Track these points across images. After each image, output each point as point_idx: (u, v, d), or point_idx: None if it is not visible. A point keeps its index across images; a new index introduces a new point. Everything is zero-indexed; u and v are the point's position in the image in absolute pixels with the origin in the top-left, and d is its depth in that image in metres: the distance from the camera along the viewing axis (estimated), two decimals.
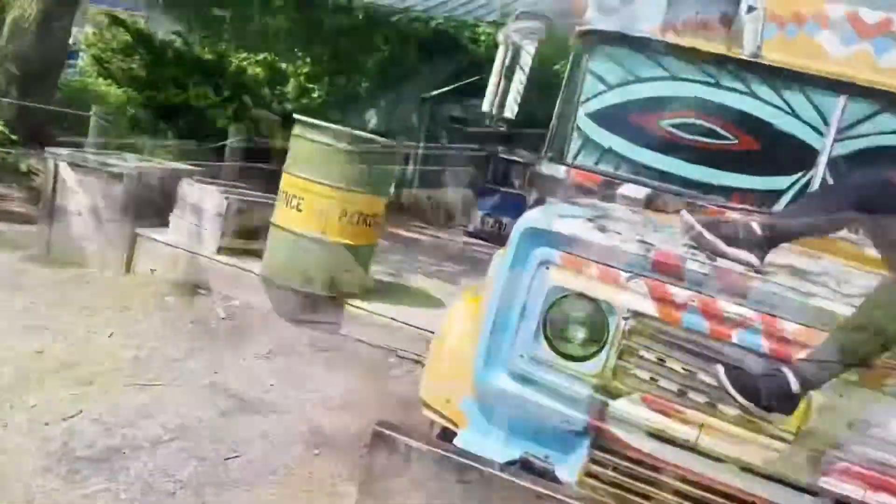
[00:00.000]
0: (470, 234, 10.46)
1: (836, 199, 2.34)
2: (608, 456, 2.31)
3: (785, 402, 1.96)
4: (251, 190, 6.21)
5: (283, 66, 13.35)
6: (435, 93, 11.77)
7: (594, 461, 2.31)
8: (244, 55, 13.82)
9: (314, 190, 5.07)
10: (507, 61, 3.59)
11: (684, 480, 2.22)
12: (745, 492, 2.16)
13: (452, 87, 10.83)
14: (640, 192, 3.30)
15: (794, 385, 1.95)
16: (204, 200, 5.69)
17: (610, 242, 2.27)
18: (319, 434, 3.69)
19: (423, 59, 12.52)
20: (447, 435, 2.56)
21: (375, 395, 4.26)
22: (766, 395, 1.96)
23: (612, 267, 2.26)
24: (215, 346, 4.57)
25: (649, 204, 3.24)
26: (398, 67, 12.89)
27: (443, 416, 2.60)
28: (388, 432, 2.37)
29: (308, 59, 13.62)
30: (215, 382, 4.05)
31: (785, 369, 1.98)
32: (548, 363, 2.32)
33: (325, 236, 5.09)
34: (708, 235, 2.26)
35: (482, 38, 11.54)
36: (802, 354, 2.01)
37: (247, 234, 5.61)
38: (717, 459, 2.17)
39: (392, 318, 5.02)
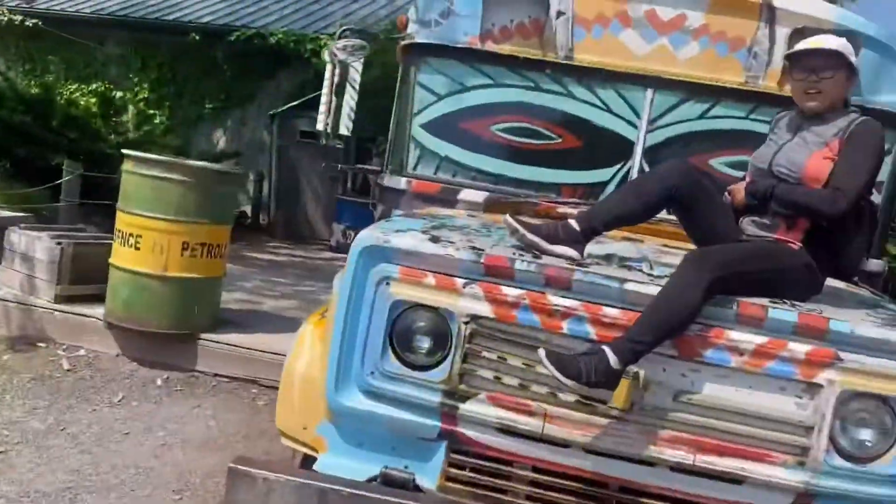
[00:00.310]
0: (332, 249, 10.37)
1: (645, 187, 2.51)
2: (465, 458, 2.37)
3: (607, 377, 2.09)
4: (90, 230, 5.86)
5: (119, 94, 12.70)
6: (283, 108, 11.57)
7: (452, 465, 2.37)
8: (75, 86, 13.06)
9: (151, 226, 4.87)
10: (336, 79, 3.62)
11: (536, 470, 2.32)
12: (592, 472, 2.28)
13: (300, 101, 10.69)
14: (479, 195, 3.43)
15: (613, 360, 2.09)
16: (34, 248, 5.32)
17: (444, 252, 2.34)
18: (182, 478, 3.54)
19: (267, 75, 12.30)
20: (310, 462, 2.54)
21: (240, 429, 4.15)
22: (587, 372, 2.07)
23: (449, 275, 2.33)
24: (61, 400, 4.29)
25: (489, 206, 3.38)
26: (242, 85, 12.60)
27: (302, 444, 2.58)
28: (244, 468, 2.33)
29: (145, 85, 13.05)
30: (63, 439, 3.80)
31: (604, 347, 2.11)
32: (398, 376, 2.36)
33: (167, 272, 4.91)
34: (530, 236, 2.37)
35: (325, 50, 11.47)
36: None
37: (86, 279, 5.29)
38: (564, 445, 2.28)
39: (249, 348, 4.90)
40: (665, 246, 2.93)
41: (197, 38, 11.85)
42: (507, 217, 2.44)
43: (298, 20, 12.36)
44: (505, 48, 3.41)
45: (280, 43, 11.46)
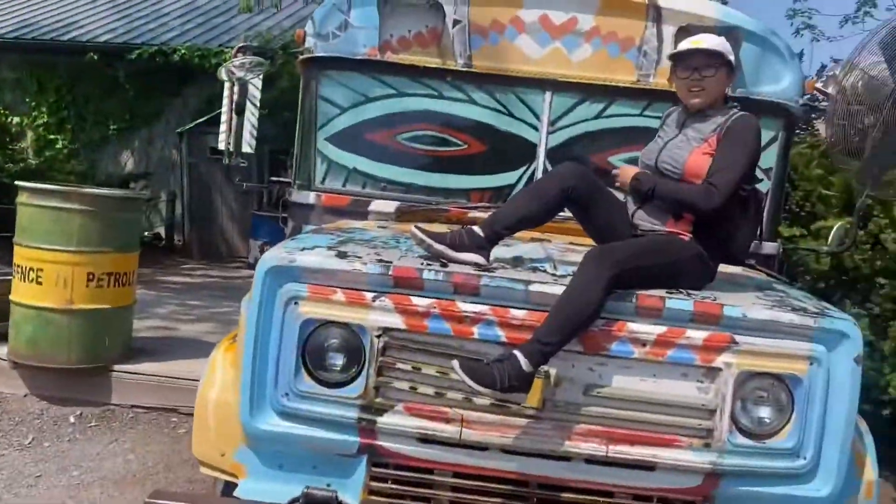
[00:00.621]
0: (250, 266, 10.17)
1: (543, 190, 2.57)
2: (386, 470, 2.38)
3: (520, 381, 2.14)
4: None
5: (16, 120, 12.12)
6: (191, 125, 11.27)
7: (374, 478, 2.37)
8: None
9: (52, 258, 4.68)
10: (235, 97, 3.57)
11: (458, 475, 2.35)
12: (512, 472, 2.33)
13: (208, 117, 10.44)
14: (390, 205, 3.44)
15: (524, 363, 2.14)
16: None
17: (351, 267, 2.34)
18: None
19: (172, 92, 11.98)
20: (231, 488, 2.50)
21: (161, 460, 4.03)
22: (500, 378, 2.12)
23: (358, 290, 2.33)
24: None
25: (401, 215, 3.39)
26: (147, 104, 12.22)
27: (221, 471, 2.53)
28: (160, 502, 2.29)
29: (44, 109, 12.49)
30: None
31: (515, 351, 2.16)
32: (312, 395, 2.35)
33: (73, 305, 4.73)
34: (436, 245, 2.40)
35: (221, 69, 11.22)
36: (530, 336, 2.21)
37: None
38: (482, 448, 2.31)
39: (166, 376, 4.77)
40: (572, 244, 3.01)
41: (95, 57, 11.42)
42: (413, 228, 2.46)
43: (201, 35, 12.08)
44: (405, 58, 3.43)
45: (184, 59, 11.17)
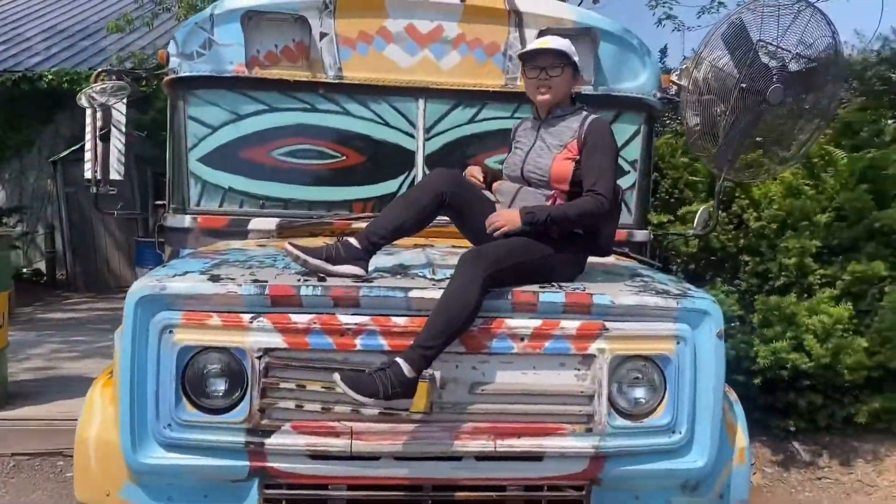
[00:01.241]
0: None
1: (417, 197, 2.61)
2: (279, 491, 2.36)
3: (403, 387, 2.17)
4: None
5: None
6: (65, 153, 10.71)
7: (267, 500, 2.35)
8: None
9: None
10: (99, 123, 3.43)
11: (352, 488, 2.36)
12: (405, 477, 2.35)
13: (82, 143, 9.94)
14: (270, 223, 3.39)
15: (407, 370, 2.17)
16: None
17: (225, 290, 2.30)
18: None
19: (42, 119, 11.35)
20: None
21: None
22: (384, 387, 2.14)
23: (234, 312, 2.30)
24: None
25: (283, 232, 3.35)
26: (15, 133, 11.53)
27: None
28: None
29: None
30: None
31: (397, 359, 2.19)
32: (197, 424, 2.30)
33: None
34: (312, 260, 2.40)
35: (80, 95, 10.73)
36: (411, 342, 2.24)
37: None
38: (374, 458, 2.33)
39: (47, 419, 4.52)
40: (454, 247, 3.06)
41: None
42: (286, 245, 2.45)
43: (69, 58, 11.50)
44: (274, 73, 3.40)
45: (52, 84, 10.62)
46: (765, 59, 3.40)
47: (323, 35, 3.42)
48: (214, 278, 2.36)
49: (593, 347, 2.36)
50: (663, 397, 2.43)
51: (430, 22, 3.47)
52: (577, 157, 2.61)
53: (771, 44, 3.38)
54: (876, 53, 7.47)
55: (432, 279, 2.45)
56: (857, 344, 4.35)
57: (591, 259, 2.73)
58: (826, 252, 4.79)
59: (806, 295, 4.67)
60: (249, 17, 3.33)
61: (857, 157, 4.97)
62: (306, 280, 2.37)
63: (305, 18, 3.34)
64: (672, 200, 5.16)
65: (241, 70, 3.38)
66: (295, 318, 2.29)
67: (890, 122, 6.19)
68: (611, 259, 3.06)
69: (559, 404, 2.38)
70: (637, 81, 3.59)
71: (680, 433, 2.43)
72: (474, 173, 2.84)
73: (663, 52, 9.65)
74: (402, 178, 3.50)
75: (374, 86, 3.44)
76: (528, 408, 2.37)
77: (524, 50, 2.80)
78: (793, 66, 3.42)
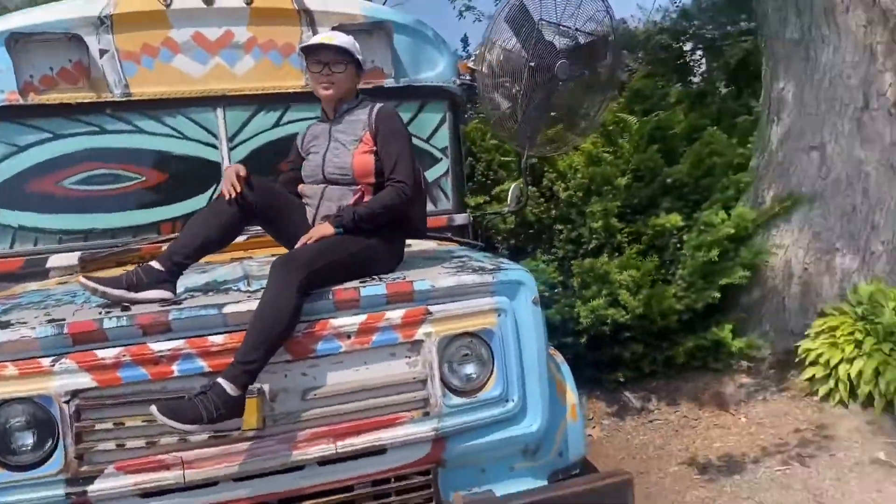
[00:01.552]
0: None
1: (221, 211, 2.52)
2: None
3: (229, 408, 2.10)
4: None
5: None
6: None
7: None
8: None
9: None
10: None
11: None
12: (249, 498, 2.28)
13: None
14: (71, 258, 3.15)
15: (230, 388, 2.10)
16: None
17: (18, 335, 2.12)
18: None
19: None
20: None
21: None
22: (207, 411, 2.06)
23: (32, 358, 2.11)
24: None
25: (86, 265, 3.12)
26: None
27: None
28: None
29: None
30: None
31: (219, 379, 2.11)
32: (6, 485, 2.10)
33: None
34: (112, 291, 2.26)
35: None
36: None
37: None
38: (212, 484, 2.23)
39: None
40: (273, 255, 2.99)
41: None
42: (82, 279, 2.29)
43: None
44: (53, 97, 3.15)
45: None
46: (552, 38, 3.59)
47: (103, 52, 3.21)
48: (5, 325, 2.16)
49: (420, 333, 2.40)
50: (492, 370, 2.51)
51: (217, 28, 3.36)
52: (375, 149, 2.63)
53: (552, 22, 3.59)
54: (656, 25, 8.16)
55: (247, 291, 2.38)
56: (667, 292, 4.72)
57: (411, 248, 2.77)
58: (629, 212, 5.14)
59: (616, 253, 4.98)
60: (15, 41, 3.07)
61: (646, 120, 5.39)
62: (108, 312, 2.22)
63: (80, 37, 3.12)
64: (488, 182, 5.34)
65: (15, 98, 3.11)
66: (101, 353, 2.14)
67: (678, 85, 6.79)
68: (431, 244, 3.13)
69: (394, 394, 2.39)
70: (436, 70, 3.67)
71: (513, 401, 2.52)
72: (238, 172, 2.59)
73: (465, 41, 9.98)
74: (210, 191, 3.38)
75: (167, 99, 3.29)
76: (364, 403, 2.36)
77: (304, 44, 2.79)
78: (581, 41, 3.65)
